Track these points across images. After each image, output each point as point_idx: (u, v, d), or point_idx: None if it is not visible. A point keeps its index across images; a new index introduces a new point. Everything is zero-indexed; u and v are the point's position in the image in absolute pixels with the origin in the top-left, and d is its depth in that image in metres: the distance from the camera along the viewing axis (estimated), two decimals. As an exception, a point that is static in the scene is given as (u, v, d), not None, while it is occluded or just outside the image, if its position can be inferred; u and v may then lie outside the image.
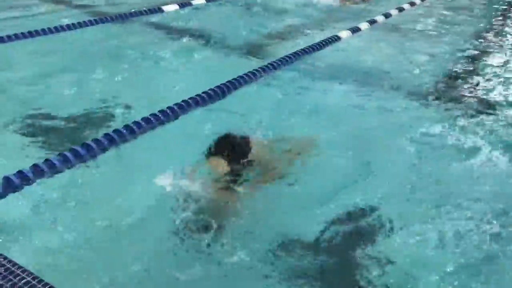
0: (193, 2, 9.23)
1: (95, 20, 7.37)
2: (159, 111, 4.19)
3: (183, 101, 4.44)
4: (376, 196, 3.29)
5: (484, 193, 3.40)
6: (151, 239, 2.75)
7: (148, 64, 5.98)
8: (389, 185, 3.47)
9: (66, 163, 3.39)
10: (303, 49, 6.20)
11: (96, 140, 3.66)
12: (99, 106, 4.60)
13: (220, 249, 2.67)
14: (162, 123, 4.14)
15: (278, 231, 2.86)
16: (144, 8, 8.39)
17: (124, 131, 3.85)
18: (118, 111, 4.52)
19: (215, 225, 2.72)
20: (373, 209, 3.13)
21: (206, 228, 2.73)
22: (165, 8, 8.60)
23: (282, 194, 3.27)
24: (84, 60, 5.93)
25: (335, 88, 5.40)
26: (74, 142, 3.70)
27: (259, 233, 2.84)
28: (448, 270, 2.57)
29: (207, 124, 4.27)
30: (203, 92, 4.63)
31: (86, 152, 3.52)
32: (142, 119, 4.04)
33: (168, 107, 4.29)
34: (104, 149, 3.64)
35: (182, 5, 8.93)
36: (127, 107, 4.60)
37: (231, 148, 3.03)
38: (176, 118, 4.28)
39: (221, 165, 2.93)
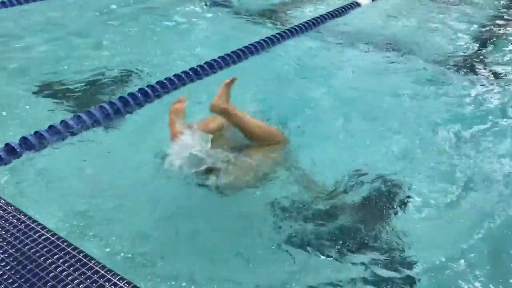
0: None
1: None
2: (174, 75, 4.16)
3: (198, 65, 4.39)
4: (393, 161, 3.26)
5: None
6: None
7: (163, 27, 5.86)
8: (409, 159, 3.37)
9: (81, 124, 3.40)
10: (321, 16, 6.05)
11: (111, 103, 3.65)
12: (114, 69, 4.57)
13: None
14: (176, 87, 4.10)
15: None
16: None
17: (139, 94, 3.83)
18: (134, 75, 4.48)
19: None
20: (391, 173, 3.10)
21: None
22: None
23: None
24: (99, 24, 5.87)
25: (352, 55, 5.28)
26: (89, 105, 3.72)
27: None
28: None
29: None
30: (218, 57, 4.58)
31: (101, 115, 3.53)
32: (157, 82, 4.01)
33: (184, 72, 4.25)
34: (118, 112, 3.64)
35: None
36: (142, 71, 4.55)
37: None
38: (192, 81, 4.26)
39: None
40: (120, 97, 3.74)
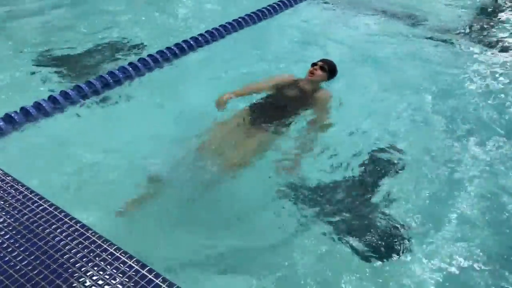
0: None
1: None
2: (175, 44, 4.11)
3: (199, 34, 4.35)
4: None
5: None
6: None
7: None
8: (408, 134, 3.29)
9: (81, 94, 3.38)
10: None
11: (111, 73, 3.62)
12: (113, 39, 4.51)
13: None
14: (177, 56, 4.06)
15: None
16: None
17: (139, 64, 3.79)
18: (134, 43, 4.43)
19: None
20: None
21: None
22: None
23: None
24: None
25: (357, 22, 5.17)
26: (86, 75, 3.70)
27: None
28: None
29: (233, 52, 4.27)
30: (220, 25, 4.52)
31: (100, 85, 3.50)
32: (158, 52, 3.96)
33: (184, 41, 4.19)
34: (118, 81, 3.61)
35: None
36: (141, 39, 4.50)
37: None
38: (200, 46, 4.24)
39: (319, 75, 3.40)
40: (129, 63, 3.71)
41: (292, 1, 5.28)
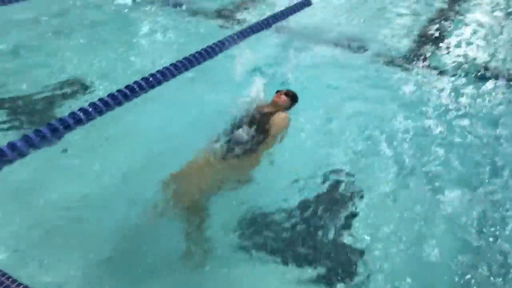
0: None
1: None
2: (134, 82, 4.14)
3: (157, 71, 4.39)
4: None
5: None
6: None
7: (119, 34, 5.81)
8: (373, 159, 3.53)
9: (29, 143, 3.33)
10: (274, 15, 6.07)
11: (73, 113, 3.61)
12: (73, 77, 4.54)
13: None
14: (137, 95, 4.09)
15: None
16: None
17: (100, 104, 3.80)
18: (91, 82, 4.47)
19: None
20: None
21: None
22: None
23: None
24: (54, 30, 5.72)
25: (304, 52, 5.36)
26: (43, 119, 3.68)
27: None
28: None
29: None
30: (177, 61, 4.59)
31: (60, 126, 3.47)
32: (118, 91, 3.99)
33: (143, 78, 4.24)
34: (68, 127, 3.57)
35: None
36: (100, 78, 4.54)
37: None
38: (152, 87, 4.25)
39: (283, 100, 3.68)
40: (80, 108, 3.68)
41: (244, 34, 5.41)
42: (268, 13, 6.14)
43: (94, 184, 3.17)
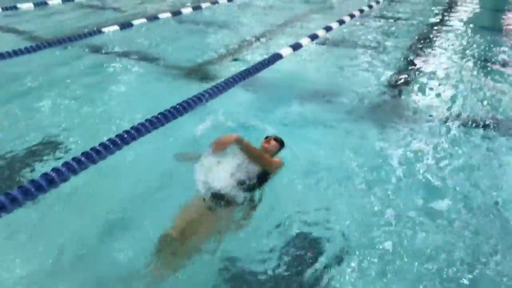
0: (134, 23, 9.13)
1: (32, 47, 7.12)
2: (101, 143, 4.11)
3: (132, 127, 4.41)
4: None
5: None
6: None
7: (90, 89, 5.82)
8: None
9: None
10: (246, 70, 6.25)
11: (45, 174, 3.55)
12: (44, 137, 4.49)
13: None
14: (111, 153, 4.06)
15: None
16: (84, 31, 8.22)
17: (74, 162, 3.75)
18: (63, 141, 4.45)
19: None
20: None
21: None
22: (105, 29, 8.45)
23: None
24: (23, 90, 5.73)
25: (278, 106, 5.47)
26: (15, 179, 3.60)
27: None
28: None
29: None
30: (152, 117, 4.63)
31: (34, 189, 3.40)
32: (92, 149, 3.95)
33: (118, 135, 4.24)
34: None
35: (123, 26, 8.81)
36: (73, 136, 4.53)
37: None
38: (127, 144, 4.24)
39: (273, 145, 3.91)
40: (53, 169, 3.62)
41: (219, 88, 5.53)
42: (242, 68, 6.33)
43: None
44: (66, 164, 3.74)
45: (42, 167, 3.92)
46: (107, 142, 4.12)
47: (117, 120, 4.88)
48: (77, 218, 3.38)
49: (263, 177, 3.51)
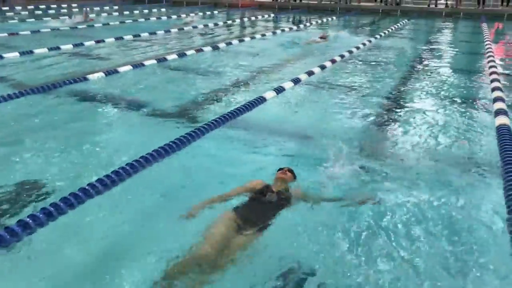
0: (120, 70, 9.26)
1: (15, 94, 7.13)
2: (88, 184, 4.07)
3: (113, 172, 4.36)
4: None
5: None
6: None
7: (76, 136, 5.78)
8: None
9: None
10: (230, 112, 6.31)
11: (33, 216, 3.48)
12: (27, 183, 4.41)
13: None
14: (91, 196, 4.00)
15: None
16: (69, 78, 8.29)
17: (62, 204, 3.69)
18: (46, 188, 4.35)
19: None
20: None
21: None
22: (90, 76, 8.54)
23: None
24: (8, 136, 5.68)
25: (262, 149, 5.48)
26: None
27: None
28: None
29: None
30: (134, 160, 4.61)
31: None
32: (71, 194, 3.90)
33: (98, 179, 4.19)
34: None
35: (108, 73, 8.92)
36: (55, 183, 4.45)
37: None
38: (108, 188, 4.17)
39: (289, 176, 4.21)
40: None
41: (202, 131, 5.54)
42: (226, 111, 6.39)
43: None
44: (42, 210, 3.67)
45: (20, 214, 3.81)
46: (87, 187, 4.06)
47: (99, 166, 4.82)
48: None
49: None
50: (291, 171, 4.26)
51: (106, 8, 25.14)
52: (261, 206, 3.72)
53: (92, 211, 3.92)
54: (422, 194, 4.34)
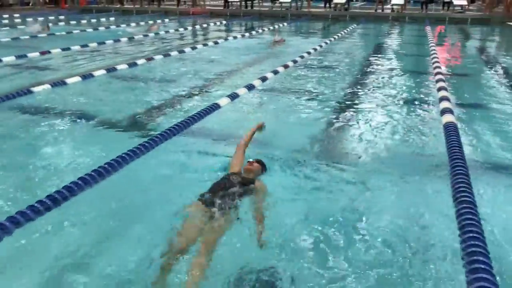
0: (68, 81, 8.93)
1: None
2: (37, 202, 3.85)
3: (64, 187, 4.16)
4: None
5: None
6: None
7: (21, 151, 5.52)
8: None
9: None
10: (184, 121, 6.20)
11: None
12: None
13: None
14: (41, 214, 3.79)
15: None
16: (11, 92, 7.89)
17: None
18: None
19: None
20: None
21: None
22: (35, 89, 8.17)
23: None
24: None
25: (217, 159, 5.38)
26: None
27: None
28: None
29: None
30: (85, 174, 4.41)
31: None
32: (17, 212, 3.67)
33: (48, 196, 3.99)
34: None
35: (55, 85, 8.58)
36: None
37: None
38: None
39: (255, 167, 4.48)
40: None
41: (156, 141, 5.41)
42: (180, 119, 6.28)
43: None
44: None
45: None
46: (36, 204, 3.85)
47: (49, 182, 4.63)
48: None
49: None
50: (259, 162, 4.57)
51: (52, 18, 24.28)
52: (226, 187, 4.01)
53: (42, 229, 3.73)
54: (375, 191, 4.48)
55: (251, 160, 4.55)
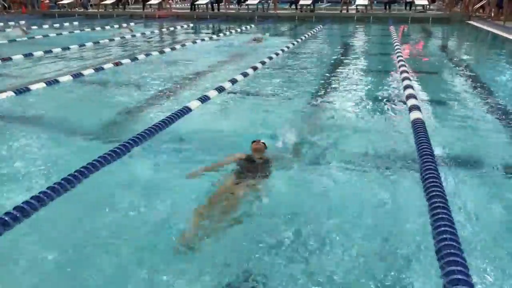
0: (32, 87, 8.67)
1: None
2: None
3: (33, 197, 4.03)
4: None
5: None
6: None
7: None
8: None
9: None
10: (155, 125, 6.11)
11: None
12: None
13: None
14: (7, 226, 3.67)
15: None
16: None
17: None
18: None
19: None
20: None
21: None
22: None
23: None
24: None
25: (189, 162, 5.32)
26: None
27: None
28: None
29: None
30: (55, 183, 4.29)
31: None
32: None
33: (16, 207, 3.85)
34: None
35: (18, 92, 8.31)
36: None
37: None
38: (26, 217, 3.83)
39: (262, 146, 5.08)
40: None
41: (127, 147, 5.33)
42: (150, 124, 6.19)
43: None
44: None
45: None
46: (2, 216, 3.72)
47: (16, 192, 4.48)
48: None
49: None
50: (263, 142, 5.12)
51: (11, 23, 23.53)
52: (253, 168, 4.67)
53: (12, 242, 3.61)
54: (346, 188, 4.59)
55: (255, 140, 5.11)
